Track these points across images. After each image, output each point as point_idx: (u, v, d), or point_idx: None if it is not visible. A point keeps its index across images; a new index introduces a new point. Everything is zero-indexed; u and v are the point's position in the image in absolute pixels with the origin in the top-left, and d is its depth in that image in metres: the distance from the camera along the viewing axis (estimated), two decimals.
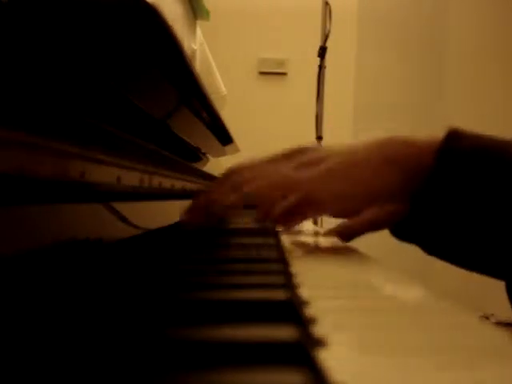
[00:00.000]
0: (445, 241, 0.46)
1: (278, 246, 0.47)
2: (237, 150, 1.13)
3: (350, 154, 0.49)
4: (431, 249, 0.48)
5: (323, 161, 0.49)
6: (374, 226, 0.50)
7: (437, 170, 0.44)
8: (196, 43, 1.17)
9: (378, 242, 0.48)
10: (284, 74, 2.66)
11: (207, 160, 0.91)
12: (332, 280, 0.36)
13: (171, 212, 0.61)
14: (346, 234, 0.51)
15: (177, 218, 0.61)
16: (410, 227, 0.48)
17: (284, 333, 0.17)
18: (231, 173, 0.55)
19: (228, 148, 0.98)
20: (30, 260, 0.26)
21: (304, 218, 0.54)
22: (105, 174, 0.37)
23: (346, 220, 0.51)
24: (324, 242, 0.58)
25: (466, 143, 0.44)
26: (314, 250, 0.52)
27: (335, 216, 0.52)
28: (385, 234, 0.53)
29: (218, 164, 1.10)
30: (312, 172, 0.48)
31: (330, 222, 0.57)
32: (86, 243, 0.35)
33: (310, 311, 0.24)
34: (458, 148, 0.44)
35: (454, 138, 0.45)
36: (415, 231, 0.49)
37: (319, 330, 0.21)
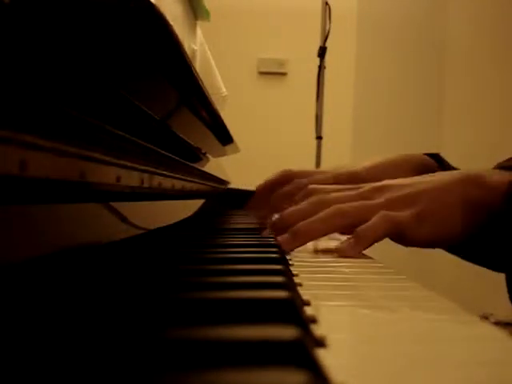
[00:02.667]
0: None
1: (279, 246, 0.47)
2: (237, 150, 1.13)
3: (440, 194, 0.50)
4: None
5: (415, 200, 0.50)
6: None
7: (505, 215, 0.49)
8: (196, 43, 1.17)
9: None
10: (284, 74, 2.66)
11: (207, 160, 0.91)
12: (332, 280, 0.36)
13: (171, 212, 0.61)
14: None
15: (177, 218, 0.61)
16: (470, 250, 0.57)
17: (284, 333, 0.17)
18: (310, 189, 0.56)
19: (228, 148, 0.98)
20: (30, 260, 0.26)
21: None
22: (105, 174, 0.37)
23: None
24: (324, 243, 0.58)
25: None
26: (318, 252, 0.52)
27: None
28: None
29: (218, 164, 1.10)
30: (409, 212, 0.49)
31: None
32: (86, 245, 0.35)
33: (310, 311, 0.24)
34: None
35: None
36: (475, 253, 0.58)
37: (319, 330, 0.21)
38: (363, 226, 0.48)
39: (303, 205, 0.53)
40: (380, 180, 0.71)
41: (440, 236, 0.50)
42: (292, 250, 0.49)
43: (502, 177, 0.50)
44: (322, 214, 0.50)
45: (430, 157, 0.74)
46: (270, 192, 0.75)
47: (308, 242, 0.51)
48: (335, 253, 0.48)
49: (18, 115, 0.25)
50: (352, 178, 0.71)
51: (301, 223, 0.50)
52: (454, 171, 0.54)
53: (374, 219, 0.48)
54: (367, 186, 0.54)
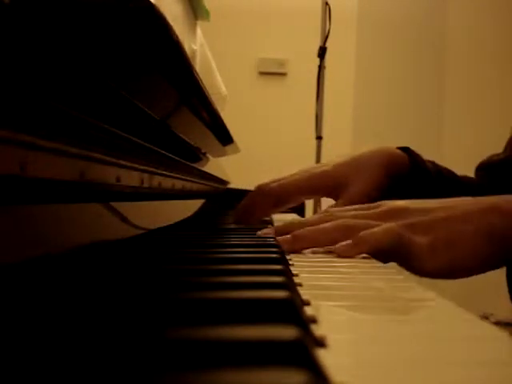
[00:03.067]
0: None
1: (279, 246, 0.47)
2: (237, 150, 1.13)
3: (460, 224, 0.47)
4: None
5: (432, 228, 0.47)
6: None
7: None
8: (196, 43, 1.17)
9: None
10: (284, 74, 2.66)
11: (207, 160, 0.91)
12: (332, 280, 0.36)
13: (171, 212, 0.61)
14: None
15: (177, 218, 0.61)
16: None
17: (284, 333, 0.17)
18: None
19: (228, 148, 0.98)
20: (30, 260, 0.26)
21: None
22: (105, 174, 0.37)
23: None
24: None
25: None
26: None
27: None
28: None
29: (218, 164, 1.10)
30: (424, 239, 0.46)
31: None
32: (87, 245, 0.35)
33: (310, 311, 0.24)
34: None
35: None
36: None
37: (319, 330, 0.21)
38: (367, 231, 0.46)
39: (314, 220, 0.53)
40: (349, 177, 0.70)
41: (455, 268, 0.47)
42: (289, 252, 0.48)
43: None
44: (326, 225, 0.49)
45: (401, 150, 0.73)
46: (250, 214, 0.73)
47: (306, 248, 0.50)
48: (334, 253, 0.48)
49: (18, 115, 0.25)
50: (324, 177, 0.70)
51: (305, 229, 0.50)
52: (481, 198, 0.50)
53: (380, 228, 0.46)
54: (385, 207, 0.51)
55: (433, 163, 0.76)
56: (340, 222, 0.49)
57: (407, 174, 0.72)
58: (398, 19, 2.68)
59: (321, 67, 2.01)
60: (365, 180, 0.70)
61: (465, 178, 0.79)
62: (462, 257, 0.46)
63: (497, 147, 0.82)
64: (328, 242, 0.48)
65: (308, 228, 0.49)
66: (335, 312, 0.26)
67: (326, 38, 1.99)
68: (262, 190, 0.72)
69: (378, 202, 0.53)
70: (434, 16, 2.69)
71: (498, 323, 2.01)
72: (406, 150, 0.73)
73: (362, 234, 0.46)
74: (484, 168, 0.80)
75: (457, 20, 2.67)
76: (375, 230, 0.46)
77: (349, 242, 0.46)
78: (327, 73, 2.03)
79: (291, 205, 0.75)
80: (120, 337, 0.18)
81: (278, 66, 2.65)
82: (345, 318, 0.25)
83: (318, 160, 2.00)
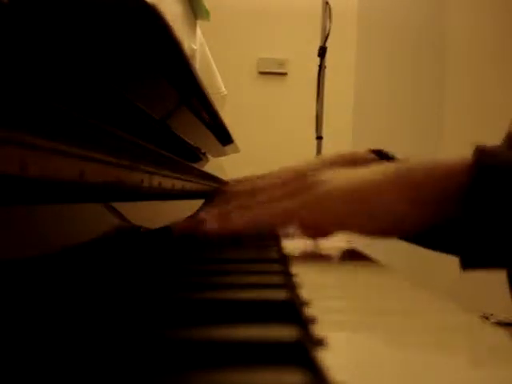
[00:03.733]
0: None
1: (278, 247, 0.47)
2: (237, 150, 1.13)
3: (355, 178, 0.44)
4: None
5: (320, 184, 0.44)
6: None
7: (476, 187, 0.39)
8: (196, 43, 1.17)
9: (377, 242, 0.47)
10: (284, 74, 2.66)
11: (207, 160, 0.91)
12: (332, 280, 0.36)
13: (171, 212, 0.61)
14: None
15: (177, 218, 0.61)
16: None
17: (284, 333, 0.17)
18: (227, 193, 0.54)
19: (228, 148, 0.98)
20: (30, 260, 0.26)
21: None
22: (105, 174, 0.37)
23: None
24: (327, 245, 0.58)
25: (500, 159, 0.41)
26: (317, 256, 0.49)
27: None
28: None
29: (218, 164, 1.10)
30: (307, 197, 0.44)
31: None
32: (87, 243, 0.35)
33: (310, 311, 0.24)
34: (495, 163, 0.40)
35: (487, 155, 0.41)
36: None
37: (319, 330, 0.21)
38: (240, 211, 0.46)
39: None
40: None
41: (354, 212, 0.43)
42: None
43: (463, 157, 0.42)
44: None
45: (374, 153, 0.69)
46: None
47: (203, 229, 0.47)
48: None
49: (17, 115, 0.25)
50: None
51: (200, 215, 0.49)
52: (389, 166, 0.45)
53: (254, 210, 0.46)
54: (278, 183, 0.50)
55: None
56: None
57: None
58: (398, 19, 2.68)
59: (321, 67, 2.01)
60: None
61: None
62: (366, 201, 0.43)
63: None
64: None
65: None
66: (335, 312, 0.26)
67: (326, 38, 1.99)
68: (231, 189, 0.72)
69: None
70: (434, 16, 2.69)
71: (498, 323, 2.01)
72: (378, 152, 0.69)
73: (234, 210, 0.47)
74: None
75: (457, 20, 2.67)
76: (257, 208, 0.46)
77: (215, 213, 0.47)
78: (327, 73, 2.03)
79: None
80: (120, 337, 0.18)
81: (277, 65, 2.65)
82: (345, 318, 0.25)
83: None
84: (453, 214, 0.41)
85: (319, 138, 2.03)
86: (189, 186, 0.68)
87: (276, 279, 0.28)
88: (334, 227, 0.45)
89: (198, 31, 1.23)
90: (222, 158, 1.15)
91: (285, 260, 0.39)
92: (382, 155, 0.69)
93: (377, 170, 0.44)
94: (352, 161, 0.67)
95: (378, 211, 0.43)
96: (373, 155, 0.69)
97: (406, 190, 0.42)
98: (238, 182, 0.71)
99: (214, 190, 0.76)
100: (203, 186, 0.78)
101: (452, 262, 0.55)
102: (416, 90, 2.69)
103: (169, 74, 0.46)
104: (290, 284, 0.28)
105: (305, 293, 0.29)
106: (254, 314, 0.21)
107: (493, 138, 0.77)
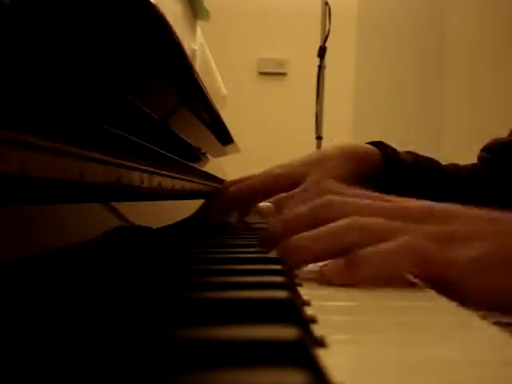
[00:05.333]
0: None
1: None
2: (237, 150, 1.13)
3: (501, 240, 0.33)
4: None
5: (473, 238, 0.33)
6: None
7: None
8: (196, 43, 1.17)
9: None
10: (284, 74, 2.66)
11: (207, 160, 0.91)
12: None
13: (171, 212, 0.61)
14: None
15: (177, 218, 0.61)
16: None
17: (284, 332, 0.17)
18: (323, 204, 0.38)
19: (228, 148, 0.98)
20: (30, 259, 0.26)
21: None
22: (105, 174, 0.37)
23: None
24: None
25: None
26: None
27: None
28: None
29: (218, 164, 1.10)
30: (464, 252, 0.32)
31: None
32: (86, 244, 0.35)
33: (310, 311, 0.24)
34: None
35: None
36: None
37: (319, 330, 0.21)
38: (373, 248, 0.33)
39: (301, 209, 0.39)
40: (306, 174, 0.63)
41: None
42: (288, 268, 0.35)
43: None
44: (333, 225, 0.35)
45: (373, 145, 0.69)
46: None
47: (305, 263, 0.36)
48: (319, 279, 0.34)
49: (18, 116, 0.25)
50: (279, 178, 0.66)
51: (302, 236, 0.35)
52: None
53: (391, 244, 0.33)
54: (399, 203, 0.38)
55: (412, 154, 0.71)
56: (351, 221, 0.35)
57: (381, 168, 0.67)
58: (397, 19, 2.68)
59: (321, 67, 2.01)
60: (324, 173, 0.64)
61: (450, 167, 0.74)
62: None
63: None
64: (339, 250, 0.34)
65: (299, 237, 0.35)
66: (335, 312, 0.26)
67: (325, 38, 1.99)
68: (220, 191, 0.70)
69: (385, 196, 0.40)
70: (434, 16, 2.69)
71: (498, 323, 2.01)
72: (377, 144, 0.69)
73: (364, 251, 0.33)
74: (488, 150, 0.75)
75: (456, 20, 2.67)
76: (384, 247, 0.33)
77: (340, 263, 0.33)
78: (327, 73, 2.03)
79: (250, 208, 0.72)
80: (120, 337, 0.18)
81: (277, 66, 2.65)
82: (345, 317, 0.25)
83: None
84: None
85: (319, 138, 2.03)
86: (189, 185, 0.68)
87: (276, 279, 0.28)
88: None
89: (198, 31, 1.23)
90: (222, 158, 1.15)
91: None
92: (382, 147, 0.69)
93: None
94: (355, 157, 0.66)
95: None
96: (374, 149, 0.68)
97: None
98: (235, 182, 0.70)
99: (217, 190, 0.75)
100: (203, 186, 0.78)
101: None
102: (416, 89, 2.69)
103: (169, 74, 0.46)
104: (290, 284, 0.28)
105: (305, 293, 0.29)
106: (254, 313, 0.21)
107: (493, 134, 0.77)
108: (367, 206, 0.37)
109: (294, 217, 0.39)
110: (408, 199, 0.39)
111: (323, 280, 0.33)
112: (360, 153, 0.67)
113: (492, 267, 0.32)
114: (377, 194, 0.41)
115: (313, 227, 0.36)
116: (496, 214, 0.35)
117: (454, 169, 0.74)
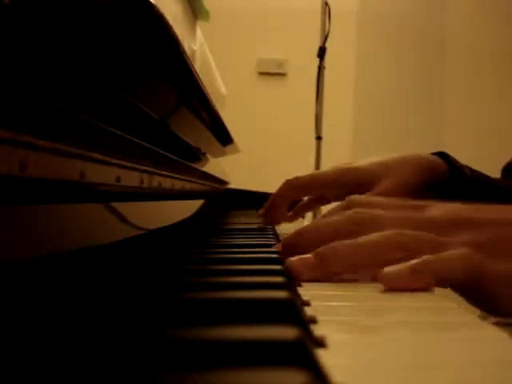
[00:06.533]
0: None
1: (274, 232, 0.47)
2: (237, 151, 1.13)
3: None
4: None
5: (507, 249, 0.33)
6: None
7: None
8: (196, 43, 1.17)
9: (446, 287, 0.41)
10: (284, 74, 2.66)
11: (207, 160, 0.91)
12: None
13: (171, 212, 0.61)
14: None
15: (177, 218, 0.61)
16: None
17: (284, 333, 0.17)
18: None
19: (228, 148, 0.98)
20: (30, 260, 0.26)
21: None
22: (105, 174, 0.37)
23: None
24: None
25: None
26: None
27: None
28: None
29: (218, 164, 1.10)
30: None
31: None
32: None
33: (310, 311, 0.24)
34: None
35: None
36: None
37: (319, 330, 0.21)
38: (433, 256, 0.31)
39: (336, 219, 0.37)
40: (379, 175, 0.64)
41: None
42: (308, 281, 0.33)
43: None
44: (371, 237, 0.33)
45: (437, 156, 0.68)
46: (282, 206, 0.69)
47: (339, 272, 0.34)
48: (377, 281, 0.32)
49: (18, 116, 0.25)
50: (352, 172, 0.66)
51: (336, 244, 0.34)
52: None
53: (456, 253, 0.31)
54: (438, 210, 0.37)
55: (468, 168, 0.71)
56: (391, 233, 0.34)
57: (446, 180, 0.67)
58: (397, 19, 2.68)
59: (320, 67, 2.01)
60: (396, 178, 0.64)
61: (500, 181, 0.73)
62: None
63: (497, 146, 0.82)
64: (372, 263, 0.33)
65: (341, 243, 0.34)
66: (335, 312, 0.26)
67: (325, 38, 1.99)
68: (288, 181, 0.68)
69: (421, 202, 0.39)
70: (434, 16, 2.69)
71: (498, 323, 2.01)
72: (441, 154, 0.68)
73: (427, 258, 0.31)
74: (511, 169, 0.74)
75: (456, 20, 2.67)
76: (447, 254, 0.31)
77: (405, 266, 0.31)
78: (327, 73, 2.03)
79: (316, 201, 0.73)
80: (120, 337, 0.18)
81: (277, 66, 2.65)
82: (345, 318, 0.25)
83: (317, 160, 2.00)
84: None
85: (319, 138, 2.03)
86: (189, 186, 0.68)
87: (276, 279, 0.28)
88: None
89: (198, 32, 1.23)
90: (222, 158, 1.15)
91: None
92: (444, 157, 0.67)
93: None
94: (429, 166, 0.66)
95: None
96: (439, 159, 0.67)
97: None
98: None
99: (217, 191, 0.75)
100: (203, 186, 0.78)
101: None
102: (416, 89, 2.69)
103: (169, 74, 0.46)
104: (290, 284, 0.28)
105: (305, 293, 0.29)
106: (254, 314, 0.21)
107: (493, 135, 0.77)
108: (406, 222, 0.36)
109: (328, 225, 0.38)
110: (441, 204, 0.38)
111: (383, 282, 0.31)
112: (432, 163, 0.67)
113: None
114: (408, 203, 0.40)
115: (333, 239, 0.35)
116: None
117: (507, 185, 0.72)
